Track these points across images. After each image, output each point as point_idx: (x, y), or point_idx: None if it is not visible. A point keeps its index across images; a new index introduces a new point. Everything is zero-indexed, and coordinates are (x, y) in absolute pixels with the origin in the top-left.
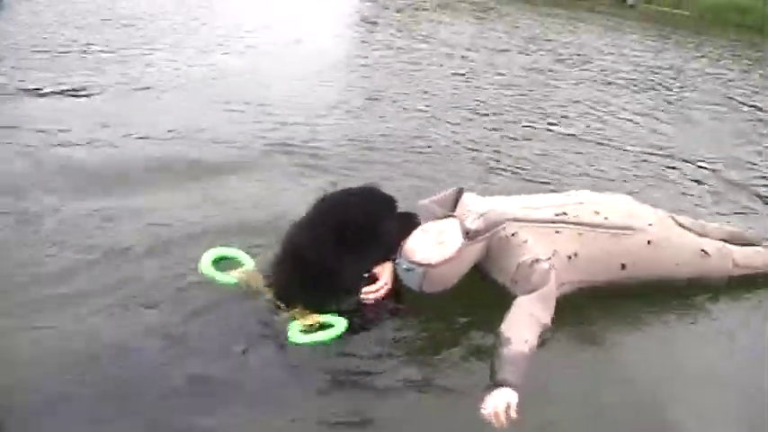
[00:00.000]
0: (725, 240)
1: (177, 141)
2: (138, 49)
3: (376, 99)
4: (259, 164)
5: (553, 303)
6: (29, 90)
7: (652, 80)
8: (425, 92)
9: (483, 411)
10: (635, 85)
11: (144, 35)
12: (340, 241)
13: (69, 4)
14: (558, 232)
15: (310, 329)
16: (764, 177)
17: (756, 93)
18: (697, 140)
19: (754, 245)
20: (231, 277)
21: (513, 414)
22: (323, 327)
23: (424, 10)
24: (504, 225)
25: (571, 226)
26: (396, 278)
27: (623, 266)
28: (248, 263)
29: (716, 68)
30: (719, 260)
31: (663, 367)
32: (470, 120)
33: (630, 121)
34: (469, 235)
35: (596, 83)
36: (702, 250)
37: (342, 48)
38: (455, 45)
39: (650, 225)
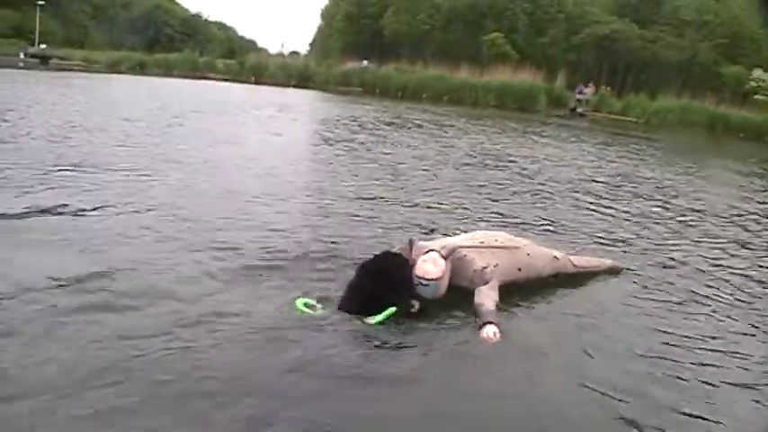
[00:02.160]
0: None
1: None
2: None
3: (327, 214)
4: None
5: (497, 290)
6: None
7: (599, 189)
8: (378, 213)
9: (483, 335)
10: (578, 192)
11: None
12: (400, 282)
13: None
14: (481, 252)
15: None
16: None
17: (697, 198)
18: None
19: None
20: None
21: (498, 336)
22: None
23: (386, 129)
24: (458, 251)
25: (487, 249)
26: None
27: (519, 269)
28: (317, 305)
29: (659, 174)
30: (564, 263)
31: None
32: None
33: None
34: (445, 258)
35: (547, 194)
36: (554, 256)
37: (296, 168)
38: (407, 164)
39: (525, 245)
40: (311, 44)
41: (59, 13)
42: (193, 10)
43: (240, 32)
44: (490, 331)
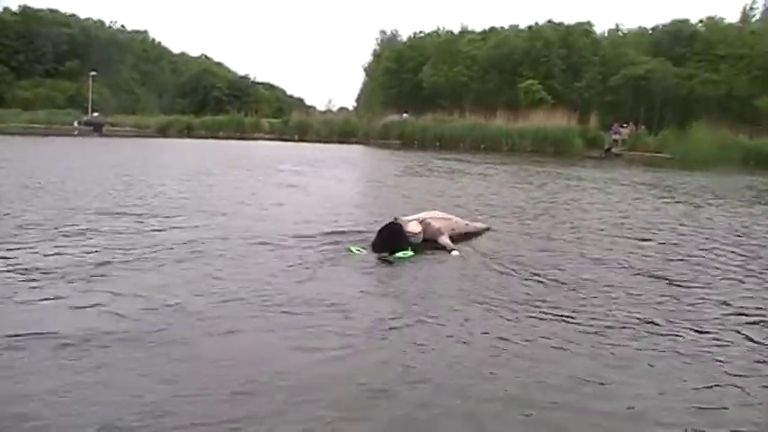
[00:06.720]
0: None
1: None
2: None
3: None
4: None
5: (449, 238)
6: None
7: (653, 232)
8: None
9: (453, 254)
10: (630, 236)
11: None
12: (401, 236)
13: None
14: (436, 220)
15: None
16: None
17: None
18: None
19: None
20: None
21: (460, 254)
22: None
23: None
24: (425, 220)
25: (437, 218)
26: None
27: (453, 229)
28: (362, 250)
29: (685, 212)
30: (470, 227)
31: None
32: None
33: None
34: (420, 223)
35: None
36: (466, 223)
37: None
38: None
39: (453, 217)
40: (357, 99)
41: (111, 81)
42: (241, 72)
43: (289, 91)
44: (456, 252)
